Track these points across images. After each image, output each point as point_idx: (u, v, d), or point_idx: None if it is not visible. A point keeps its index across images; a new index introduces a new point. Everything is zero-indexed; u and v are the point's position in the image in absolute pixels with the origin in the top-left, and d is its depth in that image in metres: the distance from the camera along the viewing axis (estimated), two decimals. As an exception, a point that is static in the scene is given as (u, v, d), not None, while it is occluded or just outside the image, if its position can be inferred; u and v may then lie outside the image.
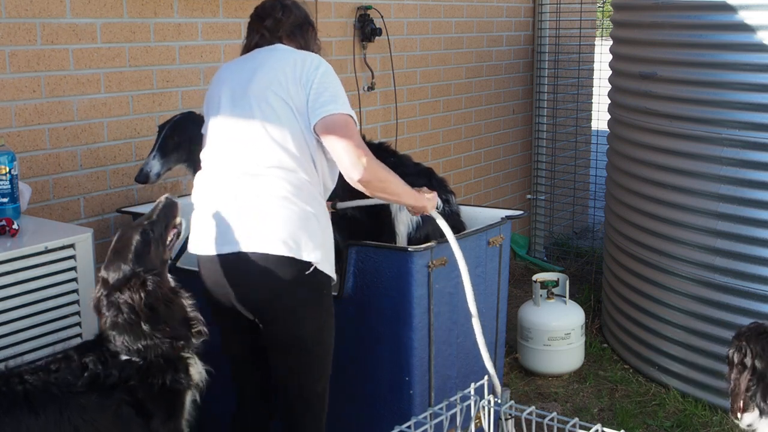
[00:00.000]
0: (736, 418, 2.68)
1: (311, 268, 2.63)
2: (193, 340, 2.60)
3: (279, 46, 2.85)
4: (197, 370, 2.63)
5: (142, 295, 2.47)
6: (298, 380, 2.78)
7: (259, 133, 2.66)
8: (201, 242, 2.71)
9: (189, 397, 2.63)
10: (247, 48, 2.90)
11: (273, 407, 2.93)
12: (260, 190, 2.63)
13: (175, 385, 2.55)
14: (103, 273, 2.53)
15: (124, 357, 2.48)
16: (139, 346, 2.47)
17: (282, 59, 2.76)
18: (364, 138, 3.61)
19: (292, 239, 2.59)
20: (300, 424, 2.80)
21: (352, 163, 2.62)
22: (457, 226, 3.41)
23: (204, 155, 2.79)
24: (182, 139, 3.40)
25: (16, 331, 2.82)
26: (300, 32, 2.90)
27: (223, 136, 2.74)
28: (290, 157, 2.65)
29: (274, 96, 2.67)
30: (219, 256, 2.66)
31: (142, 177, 3.37)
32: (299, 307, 2.67)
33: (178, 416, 2.60)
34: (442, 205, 3.37)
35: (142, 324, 2.47)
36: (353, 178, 2.64)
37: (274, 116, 2.66)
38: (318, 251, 2.63)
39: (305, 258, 2.61)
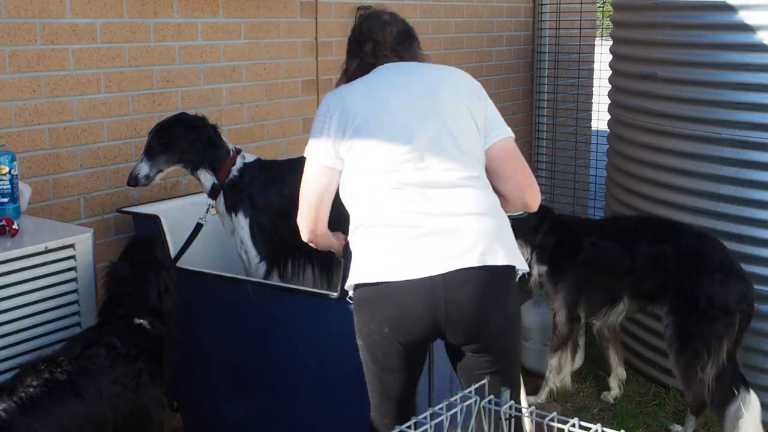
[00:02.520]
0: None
1: (518, 276, 2.60)
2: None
3: (415, 63, 2.78)
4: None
5: None
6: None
7: (454, 148, 2.57)
8: (405, 265, 2.47)
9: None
10: (363, 69, 2.77)
11: None
12: (478, 202, 2.55)
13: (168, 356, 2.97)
14: None
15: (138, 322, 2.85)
16: None
17: (450, 75, 2.73)
18: None
19: (511, 249, 2.56)
20: None
21: (529, 184, 2.71)
22: None
23: (378, 174, 2.56)
24: (168, 141, 3.42)
25: (16, 331, 2.82)
26: (409, 43, 2.83)
27: (404, 151, 2.54)
28: (481, 170, 2.63)
29: (466, 111, 2.63)
30: (449, 274, 2.45)
31: (132, 180, 3.41)
32: (510, 320, 2.60)
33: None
34: None
35: None
36: (529, 202, 2.72)
37: (467, 132, 2.62)
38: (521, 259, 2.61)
39: (519, 267, 2.58)
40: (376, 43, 2.76)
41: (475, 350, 2.57)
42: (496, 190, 2.67)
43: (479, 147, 2.64)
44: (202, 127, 3.47)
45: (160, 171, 3.44)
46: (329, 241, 2.83)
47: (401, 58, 2.76)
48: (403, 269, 2.47)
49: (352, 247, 2.63)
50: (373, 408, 2.74)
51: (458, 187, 2.54)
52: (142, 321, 2.87)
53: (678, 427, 4.07)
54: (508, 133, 2.74)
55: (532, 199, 2.72)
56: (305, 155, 2.72)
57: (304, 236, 2.74)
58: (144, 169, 3.41)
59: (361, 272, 2.56)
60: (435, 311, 2.48)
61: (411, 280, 2.46)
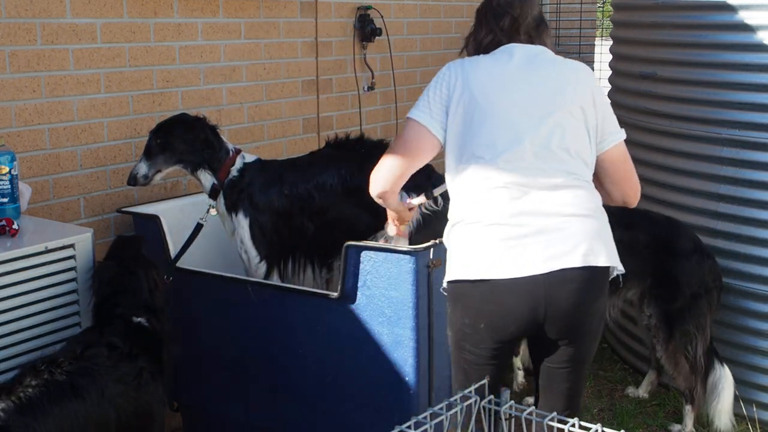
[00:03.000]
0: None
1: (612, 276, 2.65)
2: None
3: (544, 49, 2.73)
4: None
5: None
6: (578, 396, 2.72)
7: (563, 151, 2.56)
8: (522, 260, 2.48)
9: None
10: (494, 44, 2.71)
11: None
12: (581, 203, 2.56)
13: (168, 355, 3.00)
14: None
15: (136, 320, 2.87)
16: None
17: (575, 74, 2.70)
18: (362, 135, 3.62)
19: (611, 250, 2.58)
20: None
21: (636, 186, 2.80)
22: None
23: (483, 169, 2.54)
24: (167, 141, 3.43)
25: (16, 331, 2.82)
26: (542, 29, 2.78)
27: (515, 150, 2.53)
28: (588, 173, 2.63)
29: (581, 115, 2.61)
30: (552, 273, 2.47)
31: (131, 180, 3.44)
32: (600, 319, 2.66)
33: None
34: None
35: None
36: (632, 202, 2.81)
37: (578, 135, 2.60)
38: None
39: (618, 268, 2.61)
40: (513, 20, 2.69)
41: (566, 344, 2.62)
42: (602, 187, 2.72)
43: (588, 151, 2.63)
44: (201, 128, 3.48)
45: (159, 171, 3.45)
46: (396, 204, 2.79)
47: (532, 41, 2.71)
48: (506, 268, 2.49)
49: (449, 240, 2.64)
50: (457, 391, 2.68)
51: (563, 189, 2.54)
52: (140, 319, 2.88)
53: (677, 427, 4.07)
54: (622, 135, 2.73)
55: (635, 199, 2.81)
56: (408, 116, 2.69)
57: (377, 191, 2.66)
58: (143, 169, 3.42)
59: (460, 268, 2.57)
60: (536, 309, 2.52)
61: (514, 279, 2.48)
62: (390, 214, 2.88)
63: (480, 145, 2.56)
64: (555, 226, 2.51)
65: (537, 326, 2.56)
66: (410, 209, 2.88)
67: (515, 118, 2.55)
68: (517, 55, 2.66)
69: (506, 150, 2.53)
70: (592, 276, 2.52)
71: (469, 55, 2.78)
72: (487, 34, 2.72)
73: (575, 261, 2.49)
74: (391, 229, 2.97)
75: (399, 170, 2.62)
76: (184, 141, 3.44)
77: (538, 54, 2.70)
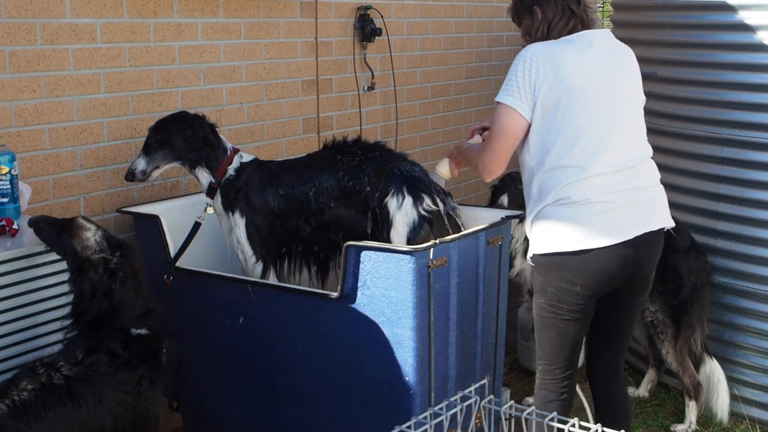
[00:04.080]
0: None
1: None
2: None
3: (609, 34, 3.11)
4: None
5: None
6: (630, 332, 3.26)
7: (634, 135, 3.01)
8: (617, 229, 2.91)
9: None
10: (567, 28, 3.01)
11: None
12: (649, 178, 3.02)
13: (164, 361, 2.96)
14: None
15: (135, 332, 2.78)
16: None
17: (629, 58, 3.12)
18: (359, 138, 3.61)
19: (668, 211, 3.11)
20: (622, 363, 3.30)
21: None
22: (457, 225, 3.41)
23: (581, 146, 2.89)
24: (166, 138, 3.45)
25: (16, 331, 2.82)
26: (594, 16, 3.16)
27: (606, 133, 2.92)
28: (649, 148, 3.07)
29: (640, 99, 3.08)
30: (641, 237, 2.94)
31: (129, 175, 3.46)
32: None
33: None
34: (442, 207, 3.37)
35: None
36: None
37: (641, 117, 3.06)
38: None
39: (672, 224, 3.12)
40: (585, 6, 3.03)
41: (635, 294, 3.12)
42: None
43: (645, 128, 3.08)
44: (199, 126, 3.49)
45: (157, 167, 3.47)
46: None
47: (589, 27, 3.04)
48: (603, 238, 2.89)
49: (539, 218, 2.97)
50: (543, 364, 3.12)
51: (639, 166, 2.99)
52: (139, 331, 2.82)
53: (682, 426, 4.08)
54: None
55: None
56: (498, 99, 2.95)
57: (492, 176, 3.06)
58: (141, 164, 3.44)
59: (558, 242, 2.93)
60: (626, 269, 2.96)
61: (609, 247, 2.89)
62: (449, 162, 3.38)
63: (570, 131, 2.89)
64: (638, 198, 2.97)
65: (622, 282, 3.00)
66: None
67: (604, 107, 2.92)
68: (596, 44, 3.00)
69: (596, 137, 2.90)
70: (662, 235, 3.07)
71: (538, 39, 3.02)
72: (560, 18, 3.01)
73: (655, 224, 3.01)
74: (444, 169, 3.38)
75: (504, 154, 2.97)
76: (183, 138, 3.45)
77: (613, 44, 3.08)
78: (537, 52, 2.93)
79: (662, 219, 3.05)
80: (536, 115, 2.91)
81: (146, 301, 2.87)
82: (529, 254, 3.06)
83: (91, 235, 2.79)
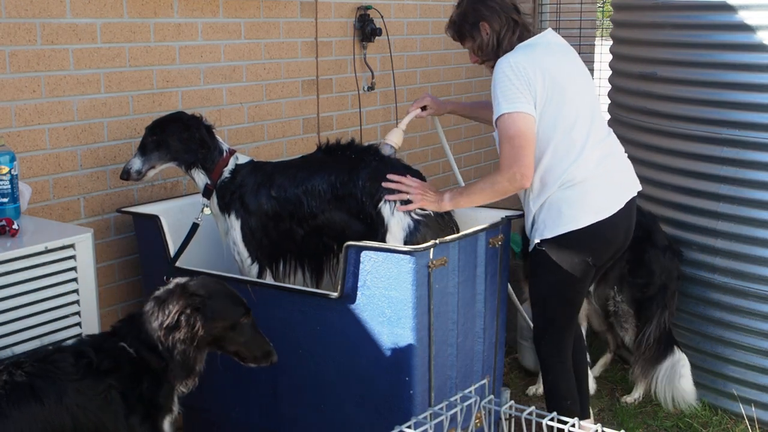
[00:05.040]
0: None
1: None
2: (185, 386, 2.78)
3: (552, 30, 3.42)
4: (176, 405, 2.80)
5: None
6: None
7: (599, 113, 3.37)
8: (615, 199, 3.28)
9: (167, 420, 2.75)
10: (523, 35, 3.28)
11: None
12: (619, 148, 3.41)
13: (156, 399, 2.68)
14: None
15: (132, 353, 2.62)
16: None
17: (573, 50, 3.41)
18: (353, 141, 3.61)
19: None
20: None
21: None
22: (450, 226, 3.42)
23: (575, 131, 3.21)
24: (162, 138, 3.45)
25: (16, 331, 2.82)
26: None
27: (588, 117, 3.26)
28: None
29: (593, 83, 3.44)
30: (628, 202, 3.31)
31: (124, 174, 3.45)
32: None
33: (156, 425, 2.70)
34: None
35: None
36: None
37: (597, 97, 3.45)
38: None
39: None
40: (522, 13, 3.30)
41: (609, 263, 3.51)
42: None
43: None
44: (195, 128, 3.48)
45: (153, 167, 3.47)
46: None
47: (531, 32, 3.34)
48: (607, 209, 3.24)
49: (551, 202, 3.23)
50: (547, 337, 3.45)
51: (610, 139, 3.37)
52: (131, 350, 2.67)
53: (629, 398, 4.40)
54: None
55: None
56: (502, 111, 3.13)
57: (528, 181, 3.17)
58: (136, 164, 3.44)
59: (569, 222, 3.22)
60: (623, 236, 3.37)
61: (610, 217, 3.24)
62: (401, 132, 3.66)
63: (566, 122, 3.19)
64: (620, 167, 3.37)
65: (617, 248, 3.38)
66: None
67: (582, 95, 3.27)
68: (553, 43, 3.32)
69: (584, 123, 3.23)
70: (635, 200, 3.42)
71: (489, 54, 3.30)
72: (507, 29, 3.26)
73: (636, 187, 3.41)
74: (396, 137, 3.62)
75: (532, 157, 3.14)
76: (180, 139, 3.46)
77: (562, 40, 3.37)
78: (518, 58, 3.15)
79: (637, 183, 3.43)
80: (539, 111, 3.16)
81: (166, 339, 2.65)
82: (536, 240, 3.29)
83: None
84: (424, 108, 3.79)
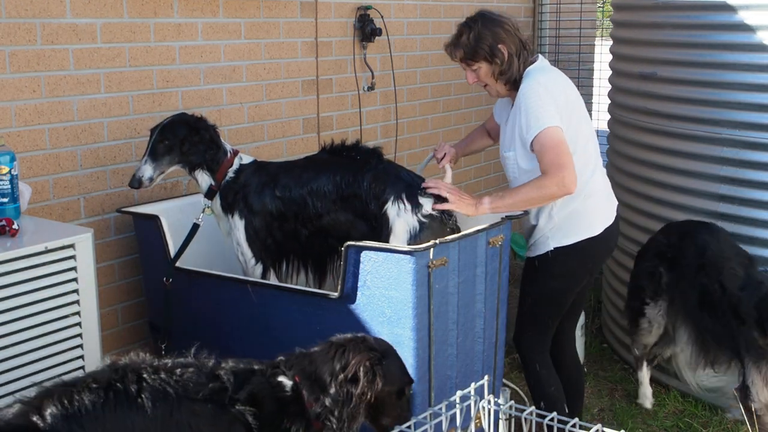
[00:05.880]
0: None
1: None
2: None
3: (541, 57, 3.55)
4: None
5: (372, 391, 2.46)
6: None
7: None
8: (613, 207, 3.58)
9: None
10: (531, 57, 3.44)
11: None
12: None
13: None
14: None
15: (286, 392, 2.44)
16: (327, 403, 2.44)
17: None
18: (358, 142, 3.61)
19: None
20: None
21: None
22: (453, 230, 3.42)
23: (586, 162, 3.42)
24: (173, 141, 3.40)
25: (15, 331, 2.82)
26: None
27: (593, 134, 3.54)
28: None
29: None
30: (617, 212, 3.60)
31: (135, 182, 3.37)
32: None
33: None
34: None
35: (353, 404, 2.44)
36: None
37: None
38: None
39: None
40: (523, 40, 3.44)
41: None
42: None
43: None
44: (204, 129, 3.47)
45: (162, 172, 3.43)
46: None
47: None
48: (608, 218, 3.53)
49: (572, 214, 3.43)
50: (530, 335, 3.61)
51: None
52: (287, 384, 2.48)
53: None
54: None
55: None
56: (543, 126, 3.23)
57: (572, 188, 3.25)
58: (147, 171, 3.37)
59: (585, 230, 3.45)
60: (616, 239, 3.67)
61: (611, 224, 3.53)
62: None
63: (583, 137, 3.41)
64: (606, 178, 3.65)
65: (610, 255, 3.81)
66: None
67: (586, 115, 3.52)
68: (553, 68, 3.50)
69: (593, 138, 3.51)
70: None
71: (506, 75, 3.39)
72: (520, 51, 3.39)
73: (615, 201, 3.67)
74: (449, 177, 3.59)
75: (574, 165, 3.25)
76: (190, 142, 3.42)
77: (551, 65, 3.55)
78: (544, 80, 3.33)
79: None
80: (564, 127, 3.30)
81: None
82: (552, 247, 3.44)
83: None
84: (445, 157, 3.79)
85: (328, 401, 2.43)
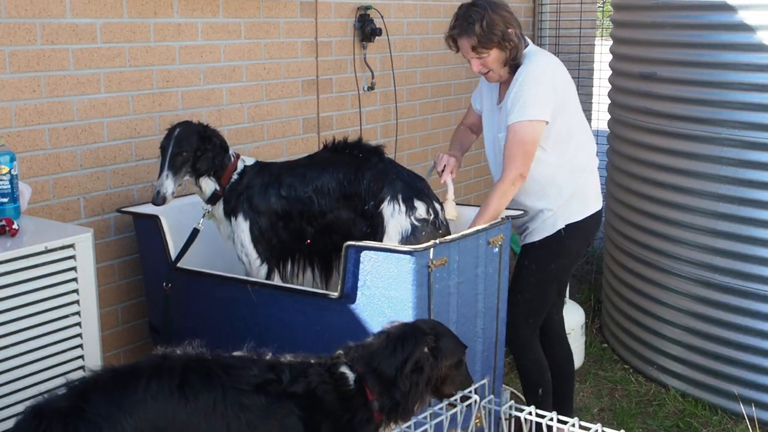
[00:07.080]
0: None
1: None
2: (390, 428, 2.51)
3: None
4: None
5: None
6: None
7: None
8: (599, 200, 3.69)
9: None
10: (525, 45, 3.51)
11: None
12: None
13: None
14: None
15: (349, 384, 2.44)
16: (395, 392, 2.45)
17: None
18: (360, 139, 3.61)
19: None
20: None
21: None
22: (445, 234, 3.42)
23: (585, 139, 3.62)
24: (189, 152, 3.36)
25: (16, 331, 2.82)
26: None
27: (585, 121, 3.66)
28: None
29: None
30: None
31: (160, 200, 3.28)
32: None
33: None
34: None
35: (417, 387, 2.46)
36: None
37: None
38: None
39: None
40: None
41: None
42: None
43: None
44: (214, 135, 3.45)
45: (180, 184, 3.40)
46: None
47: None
48: (600, 197, 3.67)
49: (585, 184, 3.58)
50: (530, 320, 3.66)
51: None
52: (351, 375, 2.47)
53: None
54: None
55: None
56: (526, 118, 3.33)
57: (523, 182, 3.37)
58: (170, 186, 3.30)
59: (589, 205, 3.60)
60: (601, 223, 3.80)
61: (601, 206, 3.68)
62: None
63: (582, 120, 3.57)
64: None
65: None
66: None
67: (576, 94, 3.58)
68: (539, 48, 3.55)
69: (584, 120, 3.62)
70: None
71: (513, 59, 3.44)
72: (521, 34, 3.46)
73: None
74: (453, 211, 3.56)
75: (532, 161, 3.37)
76: (203, 150, 3.40)
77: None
78: (544, 67, 3.41)
79: None
80: (560, 113, 3.41)
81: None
82: (561, 225, 3.54)
83: None
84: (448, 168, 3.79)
85: (397, 395, 2.44)
